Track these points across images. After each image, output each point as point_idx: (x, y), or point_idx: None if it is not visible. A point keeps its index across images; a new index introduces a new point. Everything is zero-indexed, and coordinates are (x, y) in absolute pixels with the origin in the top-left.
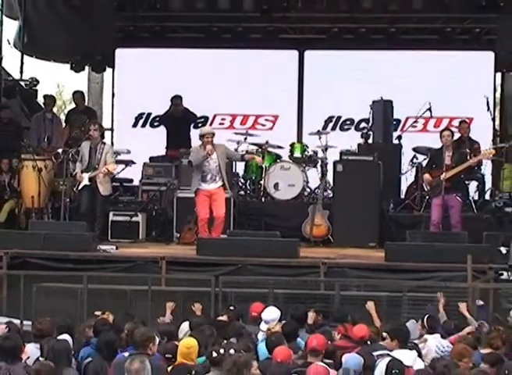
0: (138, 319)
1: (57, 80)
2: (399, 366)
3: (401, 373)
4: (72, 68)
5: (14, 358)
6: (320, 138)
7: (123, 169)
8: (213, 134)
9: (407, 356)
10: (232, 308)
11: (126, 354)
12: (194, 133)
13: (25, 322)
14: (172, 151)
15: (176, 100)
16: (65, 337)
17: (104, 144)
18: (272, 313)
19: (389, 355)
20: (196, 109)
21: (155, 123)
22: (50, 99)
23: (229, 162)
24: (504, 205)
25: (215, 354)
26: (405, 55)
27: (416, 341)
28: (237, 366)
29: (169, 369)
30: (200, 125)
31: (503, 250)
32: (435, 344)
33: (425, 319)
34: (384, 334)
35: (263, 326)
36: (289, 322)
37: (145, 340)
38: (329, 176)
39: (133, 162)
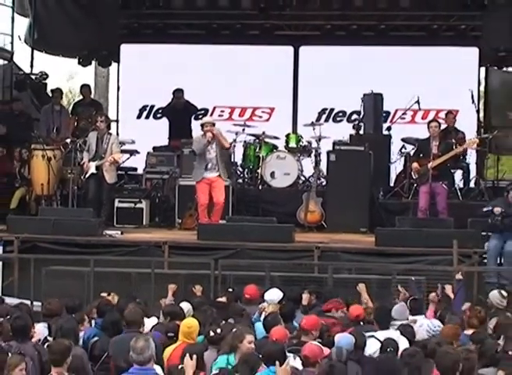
0: (141, 301)
1: (67, 75)
2: (393, 344)
3: (395, 351)
4: (79, 62)
5: (24, 337)
6: (314, 129)
7: (128, 158)
8: (213, 124)
9: (386, 337)
10: (230, 290)
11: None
12: (195, 125)
13: (35, 303)
14: (174, 141)
15: (178, 93)
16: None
17: (111, 134)
18: (274, 294)
19: (373, 336)
20: (196, 102)
21: (158, 115)
22: (58, 92)
23: (228, 152)
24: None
25: (212, 333)
26: (394, 50)
27: (404, 322)
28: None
29: (172, 347)
30: (200, 117)
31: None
32: (426, 324)
33: (409, 302)
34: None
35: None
36: (287, 303)
37: (135, 319)
38: (323, 165)
39: (137, 152)
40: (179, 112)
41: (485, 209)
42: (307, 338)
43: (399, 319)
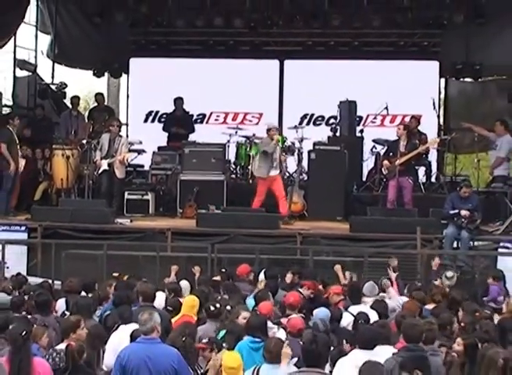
0: (147, 280)
1: (83, 85)
2: (364, 317)
3: (366, 322)
4: (94, 74)
5: (47, 311)
6: (297, 132)
7: (136, 156)
8: (277, 128)
9: (358, 311)
10: (223, 270)
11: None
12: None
13: (56, 282)
14: (173, 142)
15: (178, 101)
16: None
17: (121, 136)
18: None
19: (346, 310)
20: (195, 108)
21: (162, 119)
22: (76, 99)
23: (223, 150)
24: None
25: (211, 308)
26: (366, 63)
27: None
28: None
29: (174, 319)
30: (198, 121)
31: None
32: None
33: (380, 283)
34: None
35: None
36: (270, 281)
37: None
38: (304, 163)
39: (144, 151)
40: (178, 119)
41: (451, 212)
42: (290, 312)
43: (369, 296)
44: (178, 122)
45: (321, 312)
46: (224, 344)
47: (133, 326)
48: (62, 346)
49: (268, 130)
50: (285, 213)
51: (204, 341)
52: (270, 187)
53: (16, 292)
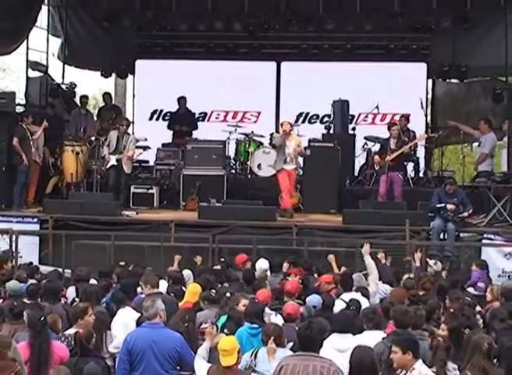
0: (152, 268)
1: (92, 85)
2: (356, 304)
3: (358, 309)
4: (102, 74)
5: (55, 299)
6: (293, 129)
7: (141, 153)
8: (289, 123)
9: (350, 298)
10: (223, 259)
11: (142, 295)
12: (199, 126)
13: (66, 270)
14: (178, 139)
15: (181, 100)
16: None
17: (129, 134)
18: (263, 263)
19: (338, 297)
20: (197, 106)
21: (166, 118)
22: (85, 99)
23: (223, 146)
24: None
25: (211, 295)
26: (358, 65)
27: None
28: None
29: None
30: (200, 119)
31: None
32: (383, 289)
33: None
34: None
35: (258, 273)
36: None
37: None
38: (300, 159)
39: (149, 148)
40: (182, 117)
41: (438, 206)
42: (288, 299)
43: (357, 285)
44: (181, 120)
45: (313, 299)
46: (225, 330)
47: (128, 310)
48: (70, 331)
49: (281, 124)
50: (284, 207)
51: (207, 324)
52: (289, 180)
53: (29, 280)
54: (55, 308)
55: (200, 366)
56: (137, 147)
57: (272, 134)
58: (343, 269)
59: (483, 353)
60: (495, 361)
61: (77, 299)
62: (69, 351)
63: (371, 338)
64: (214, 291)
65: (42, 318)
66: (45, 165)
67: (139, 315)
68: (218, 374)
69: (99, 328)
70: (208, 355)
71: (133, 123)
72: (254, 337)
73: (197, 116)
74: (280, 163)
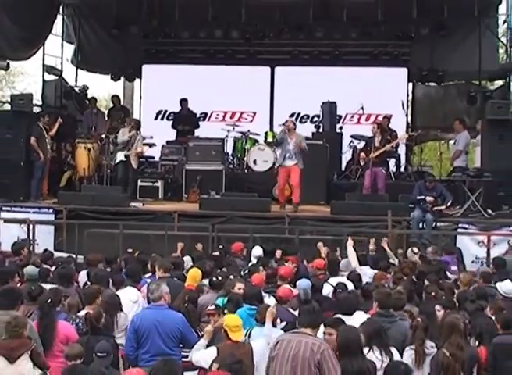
0: (156, 255)
1: (102, 87)
2: (342, 286)
3: (344, 291)
4: (111, 78)
5: (68, 283)
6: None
7: (147, 149)
8: (292, 122)
9: (337, 281)
10: (221, 246)
11: (148, 280)
12: (200, 125)
13: (79, 256)
14: (181, 138)
15: (183, 101)
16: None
17: (137, 133)
18: (258, 250)
19: (326, 281)
20: (198, 107)
21: (170, 118)
22: (93, 100)
23: (222, 144)
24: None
25: (214, 280)
26: (345, 70)
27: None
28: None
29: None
30: (200, 119)
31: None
32: (367, 273)
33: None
34: None
35: (252, 259)
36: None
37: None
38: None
39: (154, 145)
40: (184, 117)
41: (418, 198)
42: (281, 283)
43: (345, 271)
44: (184, 120)
45: (303, 283)
46: (225, 311)
47: (130, 289)
48: (83, 312)
49: (284, 123)
50: (295, 202)
51: (211, 307)
52: (289, 176)
53: (43, 265)
54: (69, 291)
55: (202, 353)
56: (144, 144)
57: (266, 133)
58: (325, 249)
59: (460, 332)
60: (471, 338)
61: (89, 283)
62: (82, 330)
63: (358, 318)
64: (217, 277)
65: (49, 300)
66: (60, 160)
67: (137, 296)
68: (230, 349)
69: (109, 309)
70: (206, 343)
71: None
72: (252, 317)
73: (198, 115)
74: (280, 159)
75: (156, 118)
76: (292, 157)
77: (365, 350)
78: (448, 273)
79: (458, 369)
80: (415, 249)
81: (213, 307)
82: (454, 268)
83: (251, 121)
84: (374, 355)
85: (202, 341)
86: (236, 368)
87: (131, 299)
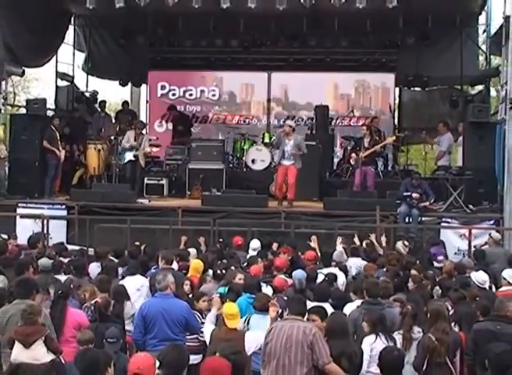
0: (162, 248)
1: (111, 92)
2: (331, 276)
3: (331, 279)
4: (120, 84)
5: (81, 274)
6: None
7: (156, 150)
8: (289, 125)
9: (327, 271)
10: (221, 240)
11: (153, 270)
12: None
13: (90, 249)
14: (179, 138)
15: (172, 107)
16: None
17: (143, 134)
18: (256, 243)
19: (320, 272)
20: (199, 110)
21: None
22: (103, 103)
23: (222, 144)
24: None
25: (218, 272)
26: (337, 75)
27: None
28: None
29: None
30: (202, 121)
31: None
32: (357, 264)
33: (351, 249)
34: None
35: (250, 252)
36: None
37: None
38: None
39: (160, 146)
40: (180, 119)
41: (405, 194)
42: (277, 273)
43: (337, 261)
44: (178, 121)
45: (298, 273)
46: (227, 299)
47: (138, 278)
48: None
49: (283, 125)
50: (290, 198)
51: (216, 295)
52: (285, 175)
53: (57, 257)
54: (82, 281)
55: (207, 328)
56: (151, 145)
57: (263, 134)
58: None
59: (444, 318)
60: (454, 325)
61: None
62: (94, 317)
63: (348, 306)
64: (220, 269)
65: (60, 291)
66: (72, 160)
67: (143, 284)
68: (223, 334)
69: (118, 298)
70: (215, 319)
71: (146, 124)
72: (252, 305)
73: (200, 119)
74: (278, 159)
75: (161, 121)
76: (290, 157)
77: (372, 337)
78: (435, 262)
79: (444, 352)
80: (406, 242)
81: (218, 295)
82: (441, 258)
83: (249, 124)
84: (381, 341)
85: (213, 311)
86: (234, 358)
87: (137, 286)
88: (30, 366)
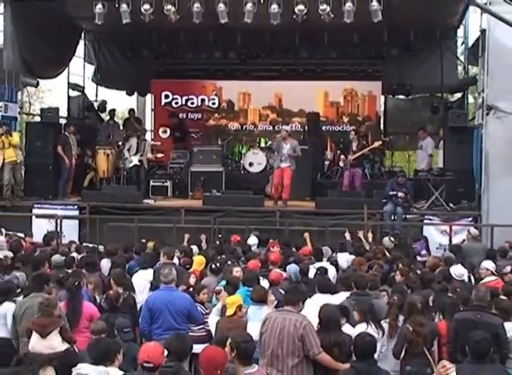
0: (167, 245)
1: (119, 101)
2: (323, 270)
3: (322, 273)
4: (126, 93)
5: (93, 269)
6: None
7: (160, 156)
8: (286, 130)
9: (319, 265)
10: (220, 236)
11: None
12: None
13: (100, 246)
14: (177, 144)
15: (171, 116)
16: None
17: (146, 140)
18: (253, 240)
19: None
20: (200, 115)
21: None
22: (113, 111)
23: (221, 148)
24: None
25: (213, 266)
26: (327, 84)
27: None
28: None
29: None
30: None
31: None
32: (345, 258)
33: (339, 244)
34: None
35: (254, 248)
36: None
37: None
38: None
39: (163, 151)
40: (178, 125)
41: (391, 193)
42: (272, 267)
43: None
44: (176, 128)
45: (292, 268)
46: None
47: (150, 271)
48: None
49: (279, 131)
50: (285, 198)
51: (219, 287)
52: (281, 176)
53: (70, 253)
54: (94, 276)
55: (213, 319)
56: (152, 150)
57: (260, 139)
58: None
59: (418, 310)
60: (437, 314)
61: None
62: (103, 309)
63: (339, 297)
64: (215, 262)
65: (76, 283)
66: (83, 164)
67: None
68: (226, 322)
69: (130, 290)
70: (220, 312)
71: (152, 130)
72: (249, 297)
73: (201, 125)
74: (277, 162)
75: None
76: (286, 160)
77: (363, 325)
78: (419, 257)
79: (421, 342)
80: (392, 238)
81: (221, 287)
82: (424, 252)
83: (246, 129)
84: (371, 329)
85: (219, 305)
86: (244, 346)
87: (150, 279)
88: (34, 356)
